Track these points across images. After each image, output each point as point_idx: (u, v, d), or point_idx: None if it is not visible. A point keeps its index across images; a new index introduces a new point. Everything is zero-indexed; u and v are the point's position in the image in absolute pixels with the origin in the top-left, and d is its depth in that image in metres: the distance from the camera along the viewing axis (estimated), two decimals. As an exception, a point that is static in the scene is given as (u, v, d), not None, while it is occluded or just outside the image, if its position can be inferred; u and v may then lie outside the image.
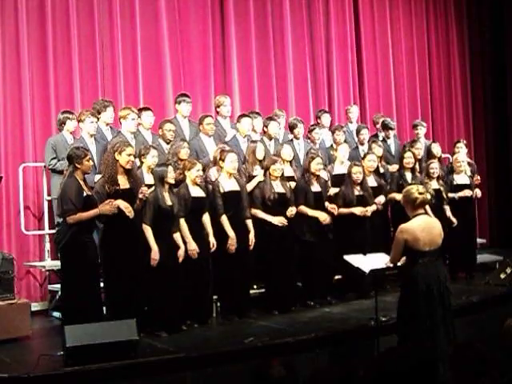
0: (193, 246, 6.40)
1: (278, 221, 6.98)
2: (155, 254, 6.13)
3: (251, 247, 6.85)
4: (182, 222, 6.43)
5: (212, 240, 6.60)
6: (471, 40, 11.50)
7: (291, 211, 7.07)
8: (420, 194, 5.13)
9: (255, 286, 7.33)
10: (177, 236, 6.34)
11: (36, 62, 7.87)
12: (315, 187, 7.37)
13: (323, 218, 7.22)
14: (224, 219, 6.73)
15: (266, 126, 7.93)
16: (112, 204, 5.88)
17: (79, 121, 7.13)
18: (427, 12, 11.17)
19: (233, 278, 6.74)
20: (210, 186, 6.84)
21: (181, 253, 6.31)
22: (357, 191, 7.56)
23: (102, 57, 8.27)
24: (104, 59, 8.30)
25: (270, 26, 9.61)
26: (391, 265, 5.31)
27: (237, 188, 6.87)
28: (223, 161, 6.82)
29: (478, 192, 8.72)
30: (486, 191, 10.74)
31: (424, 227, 5.09)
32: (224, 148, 7.03)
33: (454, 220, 8.21)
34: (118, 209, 5.93)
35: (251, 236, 6.85)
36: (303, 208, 7.23)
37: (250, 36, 9.42)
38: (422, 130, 9.33)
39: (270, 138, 7.93)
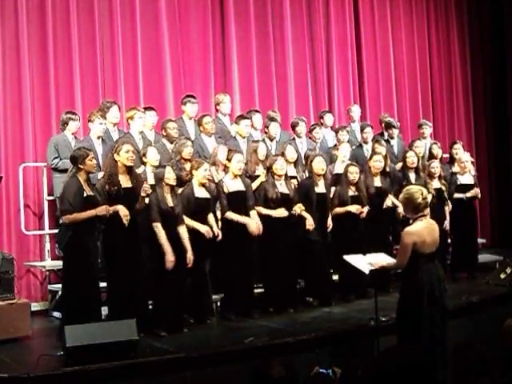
0: (190, 255, 6.28)
1: (279, 214, 6.95)
2: (170, 255, 6.06)
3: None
4: (185, 223, 6.39)
5: (216, 230, 6.54)
6: (472, 39, 11.50)
7: (300, 207, 7.03)
8: (423, 199, 5.10)
9: (255, 285, 7.32)
10: (183, 232, 6.28)
11: (36, 61, 7.87)
12: (320, 188, 7.34)
13: (309, 223, 7.12)
14: (230, 214, 6.68)
15: (267, 127, 7.94)
16: (108, 209, 5.89)
17: (89, 121, 7.14)
18: (428, 11, 11.17)
19: (236, 278, 6.72)
20: (213, 186, 6.83)
21: (189, 256, 6.25)
22: (351, 191, 7.53)
23: (102, 57, 8.27)
24: (104, 59, 8.30)
25: (270, 26, 9.60)
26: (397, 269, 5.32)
27: (242, 188, 6.84)
28: (230, 161, 6.80)
29: (478, 194, 8.72)
30: (487, 191, 10.75)
31: (428, 230, 5.10)
32: (231, 148, 7.02)
33: (447, 225, 8.22)
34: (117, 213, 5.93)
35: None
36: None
37: (250, 36, 9.42)
38: (427, 130, 9.34)
39: (271, 139, 7.93)
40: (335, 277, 7.66)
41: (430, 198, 5.31)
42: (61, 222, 6.54)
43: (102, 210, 5.88)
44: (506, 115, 11.42)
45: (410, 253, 5.03)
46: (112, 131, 7.35)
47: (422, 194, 5.11)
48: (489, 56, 11.54)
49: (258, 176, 7.21)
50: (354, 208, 7.45)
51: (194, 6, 9.05)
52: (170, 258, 6.07)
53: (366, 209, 7.51)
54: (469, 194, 8.44)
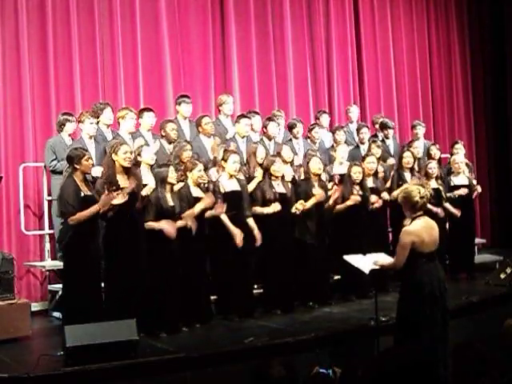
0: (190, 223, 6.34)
1: (273, 209, 6.94)
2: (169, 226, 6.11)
3: (258, 243, 6.81)
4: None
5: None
6: (472, 39, 11.51)
7: (302, 203, 7.04)
8: (421, 198, 5.10)
9: (256, 286, 7.32)
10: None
11: (36, 62, 7.87)
12: (316, 190, 7.34)
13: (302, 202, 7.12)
14: (224, 218, 6.69)
15: (266, 127, 7.94)
16: (109, 195, 5.85)
17: (79, 122, 7.13)
18: (428, 11, 11.17)
19: (235, 278, 6.72)
20: (211, 186, 6.83)
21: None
22: (355, 191, 7.54)
23: (102, 57, 8.27)
24: (104, 59, 8.30)
25: (270, 25, 9.60)
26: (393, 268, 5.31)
27: (238, 188, 6.85)
28: (226, 161, 6.80)
29: (478, 188, 8.70)
30: (487, 191, 10.75)
31: (426, 229, 5.09)
32: (227, 148, 7.02)
33: (457, 212, 8.19)
34: (117, 206, 5.91)
35: (256, 233, 6.81)
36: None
37: (250, 36, 9.42)
38: (420, 130, 9.33)
39: (270, 139, 7.93)
40: (336, 277, 7.67)
41: (428, 197, 5.30)
42: (61, 222, 6.54)
43: (102, 202, 5.84)
44: (506, 115, 11.43)
45: (409, 252, 5.02)
46: (106, 132, 7.33)
47: (419, 193, 5.10)
48: (489, 56, 11.55)
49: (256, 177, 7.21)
50: (352, 201, 7.44)
51: (193, 6, 9.06)
52: (170, 230, 6.11)
53: (380, 200, 7.64)
54: (458, 192, 8.39)
